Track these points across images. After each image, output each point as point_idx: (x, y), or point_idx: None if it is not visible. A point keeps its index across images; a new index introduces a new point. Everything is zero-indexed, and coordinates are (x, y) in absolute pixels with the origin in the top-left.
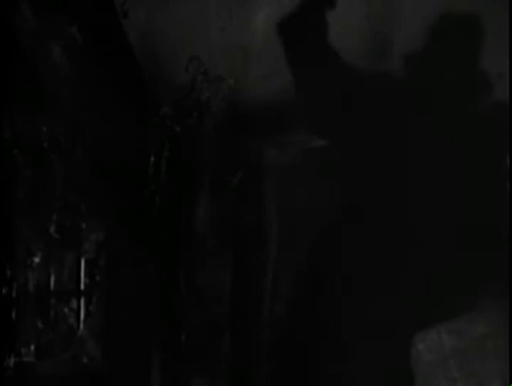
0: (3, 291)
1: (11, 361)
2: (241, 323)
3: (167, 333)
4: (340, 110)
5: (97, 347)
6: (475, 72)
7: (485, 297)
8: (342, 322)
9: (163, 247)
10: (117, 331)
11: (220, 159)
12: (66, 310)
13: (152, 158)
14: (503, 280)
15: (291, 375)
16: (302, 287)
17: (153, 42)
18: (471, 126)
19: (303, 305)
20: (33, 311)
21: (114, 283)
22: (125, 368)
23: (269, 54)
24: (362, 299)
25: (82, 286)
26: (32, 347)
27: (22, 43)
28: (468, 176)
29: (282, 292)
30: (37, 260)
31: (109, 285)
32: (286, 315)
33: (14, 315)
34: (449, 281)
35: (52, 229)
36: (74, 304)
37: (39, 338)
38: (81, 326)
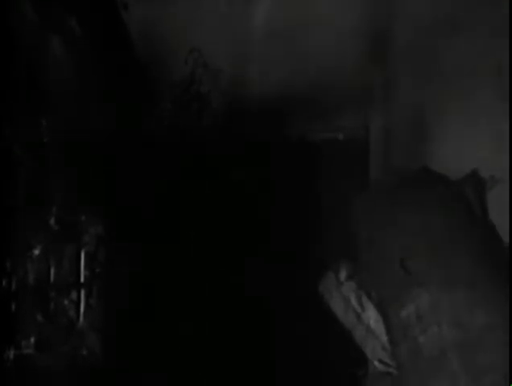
0: (3, 283)
1: (11, 353)
2: None
3: (167, 324)
4: None
5: (97, 340)
6: None
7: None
8: None
9: (163, 239)
10: (117, 324)
11: (219, 152)
12: (66, 302)
13: (152, 150)
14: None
15: None
16: None
17: (153, 34)
18: None
19: None
20: (33, 304)
21: (114, 275)
22: (125, 361)
23: (269, 46)
24: None
25: (82, 279)
26: (32, 340)
27: (22, 37)
28: None
29: None
30: (37, 252)
31: (108, 278)
32: None
33: (13, 308)
34: None
35: (52, 222)
36: (74, 296)
37: (38, 330)
38: (81, 318)
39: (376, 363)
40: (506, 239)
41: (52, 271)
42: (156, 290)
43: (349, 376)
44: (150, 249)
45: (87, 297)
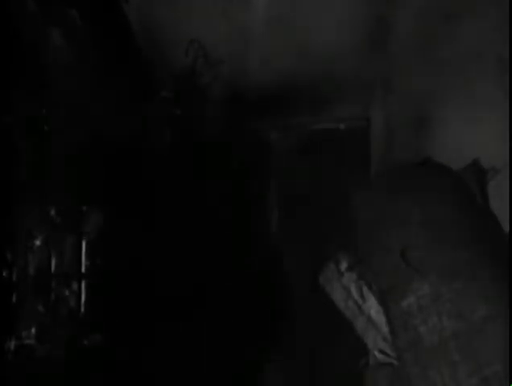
0: (4, 274)
1: (12, 344)
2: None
3: (168, 314)
4: None
5: (98, 330)
6: None
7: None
8: None
9: (163, 228)
10: (117, 314)
11: (220, 141)
12: (67, 292)
13: (153, 142)
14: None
15: None
16: None
17: (153, 25)
18: None
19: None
20: (34, 294)
21: (115, 265)
22: (126, 351)
23: (269, 37)
24: None
25: (83, 269)
26: (33, 330)
27: (23, 27)
28: None
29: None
30: (38, 242)
31: (109, 268)
32: None
33: (14, 298)
34: None
35: (53, 212)
36: (75, 287)
37: (39, 321)
38: (82, 308)
39: (376, 353)
40: (506, 228)
41: (53, 261)
42: (157, 280)
43: (350, 367)
44: (150, 239)
45: (88, 287)
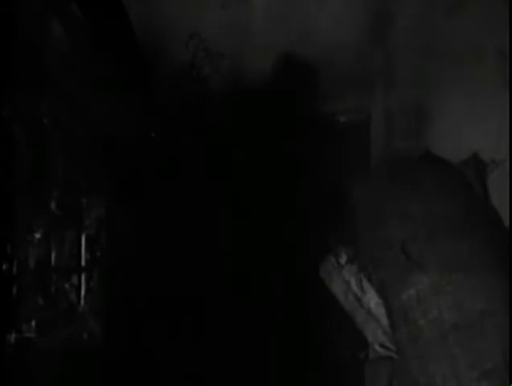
0: (4, 267)
1: (12, 337)
2: None
3: (167, 308)
4: None
5: (98, 323)
6: None
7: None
8: None
9: (163, 222)
10: (117, 307)
11: (220, 135)
12: (67, 286)
13: (152, 135)
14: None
15: None
16: None
17: (153, 19)
18: None
19: None
20: (34, 287)
21: (115, 259)
22: (125, 344)
23: (269, 31)
24: None
25: (83, 262)
26: (33, 323)
27: (23, 21)
28: None
29: None
30: (38, 236)
31: (109, 261)
32: None
33: (14, 291)
34: None
35: (53, 206)
36: (75, 280)
37: (39, 314)
38: (82, 302)
39: (377, 346)
40: (506, 222)
41: (53, 255)
42: (157, 274)
43: (350, 360)
44: (151, 232)
45: (88, 280)
